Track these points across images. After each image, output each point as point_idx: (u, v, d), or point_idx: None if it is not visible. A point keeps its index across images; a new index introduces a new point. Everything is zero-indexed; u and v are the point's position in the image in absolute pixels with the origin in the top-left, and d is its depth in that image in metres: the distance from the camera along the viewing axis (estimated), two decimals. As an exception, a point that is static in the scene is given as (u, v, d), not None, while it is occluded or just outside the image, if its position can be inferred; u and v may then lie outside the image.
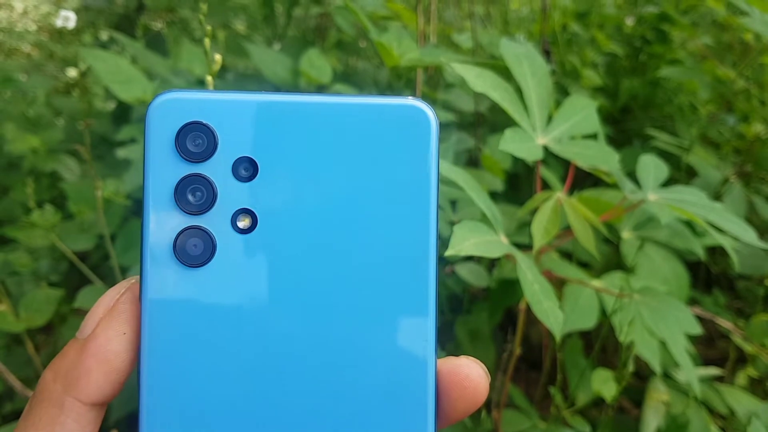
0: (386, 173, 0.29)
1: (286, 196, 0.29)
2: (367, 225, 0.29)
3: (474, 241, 0.56)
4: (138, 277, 0.29)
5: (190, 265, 0.28)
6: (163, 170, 0.28)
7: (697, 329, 0.72)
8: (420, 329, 0.29)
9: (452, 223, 0.79)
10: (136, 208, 1.13)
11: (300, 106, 0.29)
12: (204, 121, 0.28)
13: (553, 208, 0.67)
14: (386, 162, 0.29)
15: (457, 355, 0.30)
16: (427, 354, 0.29)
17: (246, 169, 0.29)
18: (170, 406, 0.28)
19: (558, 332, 0.56)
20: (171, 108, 0.28)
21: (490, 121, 1.26)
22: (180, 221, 0.28)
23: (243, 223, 0.29)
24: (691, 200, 0.73)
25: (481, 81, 0.66)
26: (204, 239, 0.28)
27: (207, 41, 0.60)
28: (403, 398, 0.29)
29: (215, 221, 0.28)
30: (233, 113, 0.29)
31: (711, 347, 1.17)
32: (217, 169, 0.28)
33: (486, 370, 0.30)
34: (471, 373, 0.29)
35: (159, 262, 0.28)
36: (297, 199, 0.29)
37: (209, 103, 0.28)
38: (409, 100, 0.30)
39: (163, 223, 0.28)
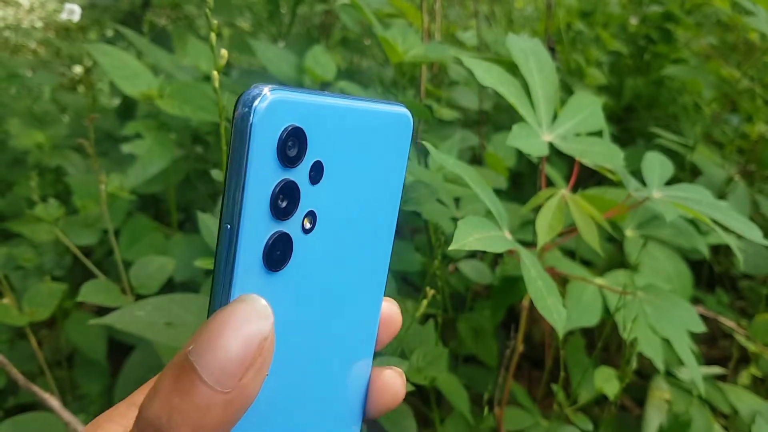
0: (385, 172, 0.33)
1: (339, 196, 0.30)
2: (369, 223, 0.33)
3: (478, 236, 0.56)
4: (265, 304, 0.26)
5: (274, 269, 0.28)
6: (264, 176, 0.27)
7: (700, 327, 0.72)
8: (372, 319, 0.35)
9: (455, 220, 0.79)
10: (140, 203, 1.13)
11: (351, 110, 0.30)
12: (301, 126, 0.27)
13: (558, 204, 0.67)
14: (386, 161, 0.33)
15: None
16: (371, 339, 0.35)
17: (317, 172, 0.29)
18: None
19: (561, 329, 0.56)
20: (278, 110, 0.26)
21: (494, 119, 1.27)
22: (271, 227, 0.27)
23: (308, 223, 0.29)
24: (696, 198, 0.73)
25: (489, 76, 0.66)
26: (286, 243, 0.28)
27: (213, 36, 0.60)
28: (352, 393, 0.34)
29: (294, 224, 0.28)
30: (317, 117, 0.28)
31: (713, 347, 1.17)
32: (301, 174, 0.28)
33: (402, 376, 0.36)
34: (390, 381, 0.35)
35: (251, 271, 0.27)
36: (344, 198, 0.30)
37: (304, 106, 0.27)
38: (396, 108, 0.33)
39: (258, 230, 0.27)
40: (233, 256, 0.26)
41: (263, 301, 0.26)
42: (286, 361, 0.29)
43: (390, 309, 0.36)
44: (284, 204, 0.27)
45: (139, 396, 0.31)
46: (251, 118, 0.25)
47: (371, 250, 0.33)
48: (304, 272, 0.29)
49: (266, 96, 0.26)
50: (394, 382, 0.35)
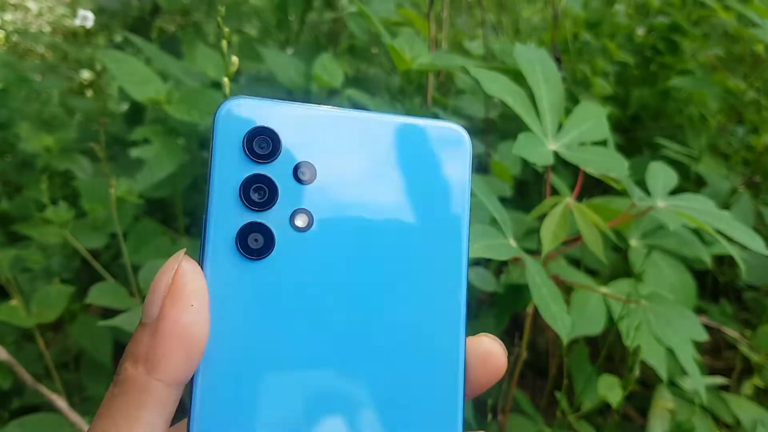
0: (428, 186, 0.33)
1: (340, 200, 0.31)
2: (410, 231, 0.32)
3: (483, 243, 0.57)
4: (183, 250, 0.30)
5: (251, 257, 0.30)
6: (231, 169, 0.30)
7: (703, 336, 0.73)
8: (453, 316, 0.32)
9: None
10: (147, 207, 1.14)
11: (356, 120, 0.32)
12: (268, 126, 0.31)
13: (562, 212, 0.67)
14: (429, 176, 0.33)
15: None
16: (459, 336, 0.32)
17: (306, 173, 0.31)
18: (221, 388, 0.29)
19: (565, 336, 0.57)
20: (239, 112, 0.31)
21: (500, 127, 1.27)
22: (243, 216, 0.30)
23: (301, 221, 0.31)
24: (700, 208, 0.74)
25: (495, 85, 0.67)
26: (265, 234, 0.30)
27: (225, 43, 0.61)
28: (438, 375, 0.32)
29: (275, 218, 0.31)
30: (294, 120, 0.31)
31: (717, 358, 1.17)
32: (279, 171, 0.31)
33: (503, 346, 0.33)
34: (493, 350, 0.32)
35: (221, 253, 0.30)
36: (350, 203, 0.31)
37: (272, 109, 0.31)
38: (450, 124, 0.33)
39: (227, 218, 0.30)
40: (203, 240, 0.30)
41: (182, 252, 0.30)
42: (286, 343, 0.30)
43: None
44: (258, 196, 0.30)
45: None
46: (215, 119, 0.30)
47: (425, 268, 0.32)
48: (303, 266, 0.31)
49: (230, 101, 0.31)
50: (493, 350, 0.33)
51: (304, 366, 0.30)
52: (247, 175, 0.30)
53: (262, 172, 0.30)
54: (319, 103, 0.32)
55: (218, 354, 0.29)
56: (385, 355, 0.31)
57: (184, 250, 0.30)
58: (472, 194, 0.34)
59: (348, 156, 0.32)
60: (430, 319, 0.32)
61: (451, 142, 0.33)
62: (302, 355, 0.30)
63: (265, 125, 0.31)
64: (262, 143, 0.31)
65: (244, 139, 0.30)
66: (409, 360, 0.32)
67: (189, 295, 0.28)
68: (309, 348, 0.30)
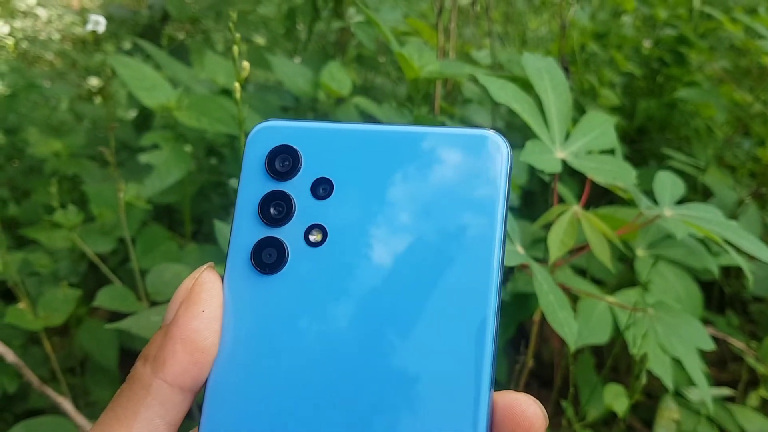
0: (455, 201, 0.31)
1: (357, 215, 0.31)
2: (434, 248, 0.30)
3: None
4: (211, 263, 0.32)
5: (263, 271, 0.30)
6: (253, 186, 0.32)
7: (710, 345, 0.73)
8: (476, 358, 0.29)
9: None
10: (154, 213, 1.14)
11: (377, 134, 0.32)
12: (291, 144, 0.32)
13: (570, 220, 0.67)
14: (456, 190, 0.31)
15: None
16: (482, 384, 0.28)
17: (324, 188, 0.31)
18: (229, 399, 0.29)
19: (572, 343, 0.57)
20: (266, 133, 0.32)
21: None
22: (260, 231, 0.31)
23: (315, 237, 0.31)
24: (707, 217, 0.74)
25: (503, 93, 0.67)
26: (278, 249, 0.31)
27: (236, 49, 0.61)
28: (454, 426, 0.28)
29: (290, 234, 0.31)
30: (318, 139, 0.32)
31: (723, 370, 1.17)
32: (297, 188, 0.31)
33: (544, 411, 0.28)
34: (527, 411, 0.28)
35: (238, 267, 0.31)
36: (367, 218, 0.31)
37: (298, 130, 0.32)
38: (483, 131, 0.32)
39: (245, 232, 0.31)
40: (227, 252, 0.31)
41: (210, 264, 0.31)
42: (294, 358, 0.29)
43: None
44: (275, 212, 0.31)
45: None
46: (246, 141, 0.32)
47: (445, 291, 0.29)
48: (315, 281, 0.30)
49: (259, 124, 0.32)
50: (528, 411, 0.28)
51: (309, 383, 0.29)
52: (266, 191, 0.31)
53: (280, 189, 0.31)
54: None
55: (227, 365, 0.30)
56: (395, 381, 0.29)
57: (212, 264, 0.32)
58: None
59: (369, 171, 0.31)
60: (446, 354, 0.29)
61: (482, 151, 0.31)
62: (308, 372, 0.29)
63: (287, 144, 0.32)
64: (284, 161, 0.31)
65: (266, 157, 0.32)
66: (422, 403, 0.28)
67: (202, 303, 0.30)
68: (316, 365, 0.29)
